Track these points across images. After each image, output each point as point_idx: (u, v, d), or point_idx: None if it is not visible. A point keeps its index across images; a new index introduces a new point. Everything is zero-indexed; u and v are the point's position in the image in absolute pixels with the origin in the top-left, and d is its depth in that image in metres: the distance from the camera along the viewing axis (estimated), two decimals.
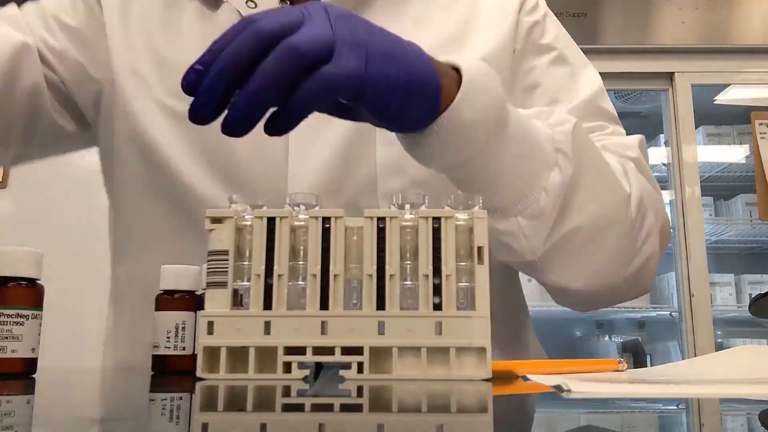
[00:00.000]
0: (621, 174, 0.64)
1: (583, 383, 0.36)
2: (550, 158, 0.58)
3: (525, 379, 0.42)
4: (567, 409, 0.35)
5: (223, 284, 0.43)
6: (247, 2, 0.70)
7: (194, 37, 0.71)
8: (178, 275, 0.54)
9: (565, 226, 0.59)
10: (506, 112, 0.55)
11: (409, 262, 0.43)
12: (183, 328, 0.53)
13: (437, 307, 0.42)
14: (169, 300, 0.53)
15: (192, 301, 0.54)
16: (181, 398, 0.38)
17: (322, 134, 0.66)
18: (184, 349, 0.52)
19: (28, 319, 0.47)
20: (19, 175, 2.19)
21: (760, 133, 2.42)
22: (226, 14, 0.71)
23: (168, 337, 0.52)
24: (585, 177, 0.59)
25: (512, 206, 0.57)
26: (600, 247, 0.61)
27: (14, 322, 0.47)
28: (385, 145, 0.66)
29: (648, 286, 0.68)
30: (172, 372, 0.52)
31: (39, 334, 0.49)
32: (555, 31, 0.77)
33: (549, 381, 0.38)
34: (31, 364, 0.48)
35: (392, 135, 0.56)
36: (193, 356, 0.52)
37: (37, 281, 0.49)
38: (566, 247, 0.60)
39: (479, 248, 0.43)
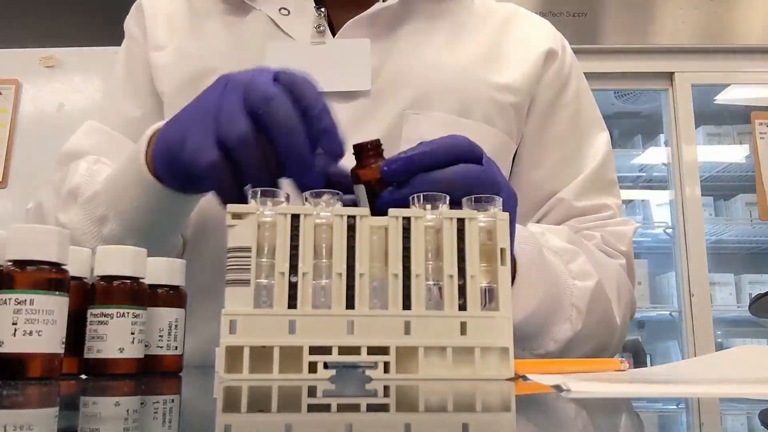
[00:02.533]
0: (615, 300, 0.67)
1: (583, 383, 0.36)
2: (566, 312, 0.61)
3: (525, 378, 0.42)
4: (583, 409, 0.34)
5: (244, 282, 0.41)
6: (280, 9, 0.70)
7: (222, 45, 0.71)
8: (171, 268, 0.51)
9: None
10: (547, 263, 0.60)
11: (431, 262, 0.43)
12: (176, 326, 0.50)
13: (462, 307, 0.42)
14: (161, 295, 0.50)
15: (183, 297, 0.51)
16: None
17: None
18: (176, 348, 0.50)
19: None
20: (19, 175, 2.18)
21: (760, 133, 2.42)
22: (255, 21, 0.71)
23: (161, 336, 0.49)
24: (589, 328, 0.63)
25: (523, 344, 0.61)
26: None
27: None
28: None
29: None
30: (161, 373, 0.49)
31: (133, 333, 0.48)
32: (576, 86, 0.78)
33: (548, 381, 0.38)
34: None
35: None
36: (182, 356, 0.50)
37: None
38: None
39: (502, 249, 0.43)
